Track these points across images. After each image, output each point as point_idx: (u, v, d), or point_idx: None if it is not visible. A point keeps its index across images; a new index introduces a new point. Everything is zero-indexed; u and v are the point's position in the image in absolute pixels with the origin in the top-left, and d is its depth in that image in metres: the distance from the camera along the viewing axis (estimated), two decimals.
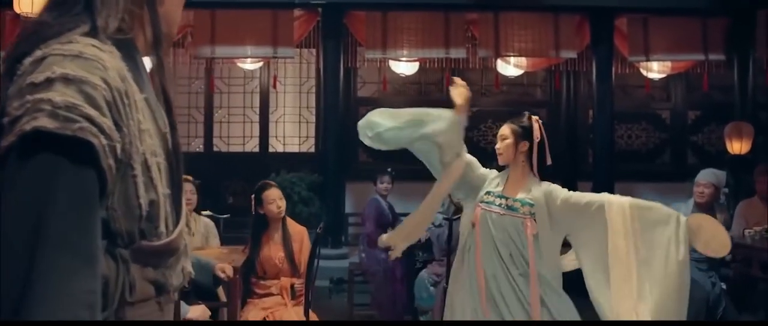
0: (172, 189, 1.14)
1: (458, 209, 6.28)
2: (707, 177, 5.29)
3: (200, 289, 3.64)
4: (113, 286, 1.02)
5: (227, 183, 9.07)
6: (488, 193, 3.39)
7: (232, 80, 9.32)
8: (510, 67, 8.29)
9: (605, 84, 8.12)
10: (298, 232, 4.44)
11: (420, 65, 8.34)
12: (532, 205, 3.29)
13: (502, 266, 3.27)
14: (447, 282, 3.82)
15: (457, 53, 8.02)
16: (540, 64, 8.41)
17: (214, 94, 9.21)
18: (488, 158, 9.74)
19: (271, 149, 9.27)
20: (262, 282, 4.33)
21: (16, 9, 5.82)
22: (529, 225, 3.25)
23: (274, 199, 4.33)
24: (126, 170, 1.02)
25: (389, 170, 6.29)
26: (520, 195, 3.31)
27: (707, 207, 5.18)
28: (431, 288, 5.65)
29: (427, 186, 7.11)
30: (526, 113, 3.45)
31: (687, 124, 9.60)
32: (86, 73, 0.97)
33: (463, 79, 9.79)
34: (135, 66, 1.12)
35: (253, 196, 4.38)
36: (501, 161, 3.46)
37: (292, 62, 9.09)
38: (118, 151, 1.00)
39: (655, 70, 8.50)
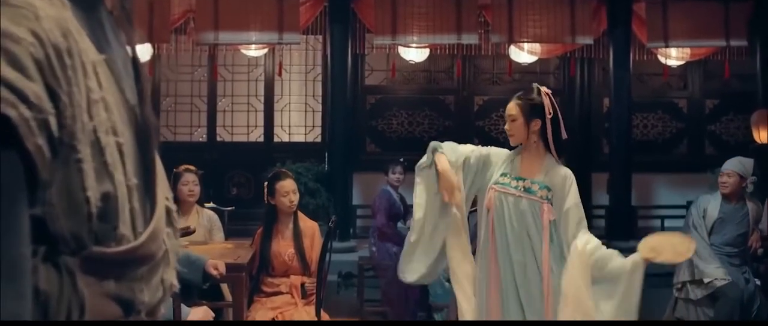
0: (143, 179, 0.86)
1: (476, 201, 6.05)
2: (732, 166, 5.00)
3: (203, 288, 3.38)
4: (55, 305, 0.75)
5: (231, 174, 8.85)
6: (504, 174, 3.10)
7: (236, 68, 9.06)
8: (523, 53, 8.00)
9: (622, 71, 7.83)
10: (310, 227, 4.17)
11: (430, 52, 8.06)
12: (549, 189, 3.03)
13: (520, 254, 3.02)
14: None
15: (469, 39, 7.72)
16: (555, 50, 8.13)
17: (218, 82, 8.95)
18: (499, 147, 9.50)
19: (276, 139, 9.03)
20: (269, 279, 4.07)
21: None
22: (546, 210, 3.00)
23: (288, 191, 4.06)
24: (68, 153, 0.74)
25: (402, 160, 6.03)
26: (538, 177, 3.04)
27: (733, 197, 4.92)
28: (447, 284, 5.38)
29: None
30: (535, 86, 3.12)
31: (704, 113, 9.33)
32: (9, 24, 0.71)
33: (474, 67, 9.56)
34: (95, 20, 0.85)
35: (265, 184, 4.13)
36: (513, 142, 3.15)
37: (298, 49, 8.82)
38: (54, 127, 0.72)
39: (674, 56, 8.22)
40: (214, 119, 9.03)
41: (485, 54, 8.24)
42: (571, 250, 2.97)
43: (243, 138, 9.05)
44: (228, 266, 3.36)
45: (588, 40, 7.84)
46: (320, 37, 8.48)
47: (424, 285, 5.65)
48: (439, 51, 8.01)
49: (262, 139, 9.02)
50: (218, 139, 9.03)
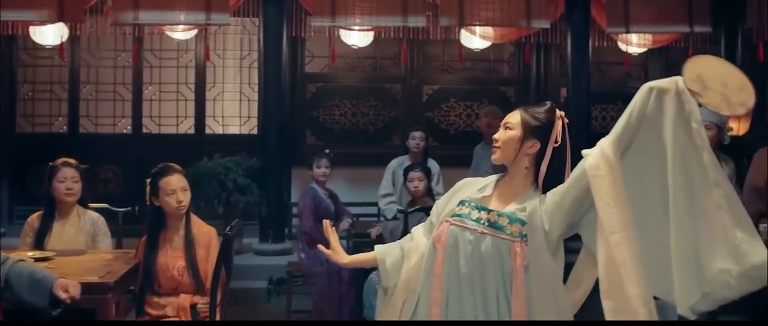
0: None
1: (415, 200, 5.43)
2: (707, 117, 4.38)
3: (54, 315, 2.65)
4: None
5: None
6: (462, 203, 2.38)
7: (164, 53, 8.29)
8: (475, 38, 7.39)
9: (581, 57, 7.27)
10: (206, 234, 3.47)
11: (374, 37, 7.41)
12: (523, 223, 2.27)
13: (473, 308, 2.30)
14: None
15: (416, 22, 7.06)
16: (509, 35, 7.52)
17: (144, 68, 8.18)
18: (448, 140, 8.95)
19: (208, 131, 8.31)
20: (155, 299, 3.36)
21: None
22: (519, 252, 2.24)
23: (175, 189, 3.38)
24: None
25: (327, 151, 5.37)
26: (510, 208, 2.32)
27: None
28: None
29: (376, 172, 6.28)
30: (550, 103, 2.45)
31: None
32: None
33: (423, 53, 8.86)
34: None
35: (148, 181, 3.44)
36: (495, 159, 2.41)
37: (232, 32, 8.14)
38: None
39: (635, 43, 7.70)
40: (140, 108, 8.26)
41: (434, 39, 7.61)
42: (591, 179, 2.22)
43: (172, 130, 8.30)
44: (88, 286, 2.65)
45: (544, 25, 7.24)
46: (256, 20, 7.77)
47: (359, 296, 5.03)
48: (383, 35, 7.36)
49: (192, 131, 8.29)
50: (144, 130, 8.27)
